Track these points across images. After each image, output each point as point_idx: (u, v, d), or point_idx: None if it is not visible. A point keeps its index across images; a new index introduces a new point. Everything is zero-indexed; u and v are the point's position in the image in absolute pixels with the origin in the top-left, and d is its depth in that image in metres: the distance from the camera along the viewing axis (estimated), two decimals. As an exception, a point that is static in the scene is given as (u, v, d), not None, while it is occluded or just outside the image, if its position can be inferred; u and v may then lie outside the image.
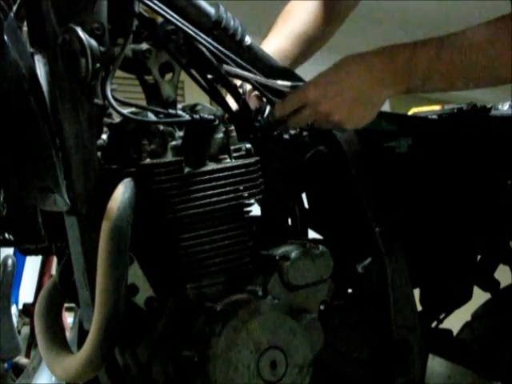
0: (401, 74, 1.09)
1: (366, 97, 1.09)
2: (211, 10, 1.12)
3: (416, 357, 1.17)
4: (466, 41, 1.09)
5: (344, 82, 1.09)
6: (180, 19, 1.07)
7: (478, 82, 1.12)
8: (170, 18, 1.06)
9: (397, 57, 1.09)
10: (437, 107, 1.45)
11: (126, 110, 1.06)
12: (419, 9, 3.64)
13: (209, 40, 1.10)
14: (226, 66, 1.10)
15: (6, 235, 1.17)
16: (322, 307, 1.10)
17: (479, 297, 1.45)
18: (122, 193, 1.00)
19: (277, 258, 1.08)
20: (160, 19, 1.08)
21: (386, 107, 1.26)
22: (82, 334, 1.11)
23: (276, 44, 1.40)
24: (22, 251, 1.22)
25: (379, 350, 1.17)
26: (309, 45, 1.45)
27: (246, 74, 1.12)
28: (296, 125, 1.14)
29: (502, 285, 1.45)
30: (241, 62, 1.13)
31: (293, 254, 1.08)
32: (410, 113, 1.47)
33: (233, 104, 1.20)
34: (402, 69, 1.09)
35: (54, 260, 2.59)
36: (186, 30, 1.07)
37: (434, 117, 1.39)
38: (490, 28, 1.09)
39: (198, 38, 1.08)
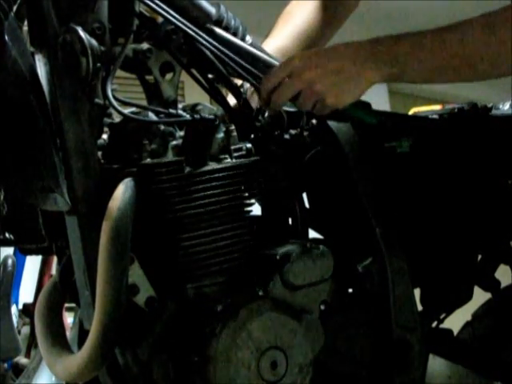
0: (382, 60, 1.12)
1: (349, 72, 1.11)
2: (212, 10, 1.12)
3: (416, 357, 1.17)
4: (447, 34, 1.12)
5: (328, 55, 1.13)
6: (180, 19, 1.07)
7: (455, 75, 1.15)
8: (171, 17, 1.06)
9: (380, 44, 1.13)
10: (437, 107, 1.45)
11: (126, 110, 1.06)
12: (419, 9, 3.64)
13: (209, 40, 1.10)
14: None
15: (7, 235, 1.17)
16: (322, 307, 1.10)
17: (480, 297, 1.45)
18: (122, 192, 1.00)
19: (277, 257, 1.08)
20: (160, 19, 1.08)
21: (387, 107, 1.26)
22: (82, 333, 1.11)
23: (277, 43, 1.41)
24: (23, 251, 1.22)
25: (379, 349, 1.17)
26: (309, 45, 1.45)
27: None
28: (281, 98, 1.12)
29: (503, 285, 1.45)
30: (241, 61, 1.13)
31: (293, 254, 1.08)
32: (410, 113, 1.47)
33: (233, 103, 1.20)
34: (383, 55, 1.11)
35: (54, 260, 2.59)
36: (187, 29, 1.07)
37: (435, 117, 1.39)
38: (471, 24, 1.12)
39: (199, 37, 1.09)
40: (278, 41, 1.42)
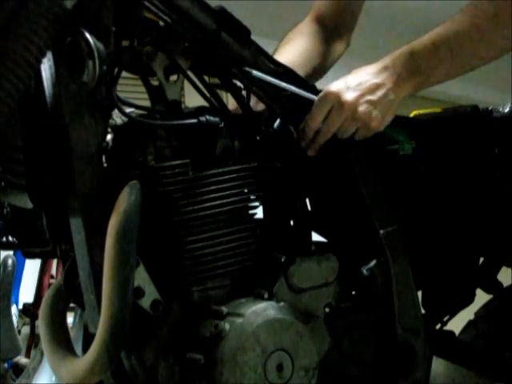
0: (408, 72, 1.16)
1: (383, 91, 1.14)
2: (215, 12, 1.12)
3: (420, 359, 1.18)
4: (460, 24, 1.18)
5: (359, 79, 1.15)
6: (183, 22, 1.07)
7: (477, 63, 1.21)
8: (172, 21, 1.06)
9: (400, 57, 1.16)
10: (438, 109, 1.45)
11: (127, 111, 1.06)
12: (419, 8, 3.64)
13: (213, 43, 1.10)
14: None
15: (10, 238, 1.17)
16: (327, 310, 1.10)
17: (481, 297, 1.46)
18: (127, 195, 1.00)
19: (282, 260, 1.08)
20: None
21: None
22: (87, 337, 1.11)
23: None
24: (26, 254, 1.22)
25: (384, 352, 1.17)
26: (314, 69, 1.47)
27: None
28: (327, 135, 1.14)
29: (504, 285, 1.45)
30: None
31: (298, 257, 1.08)
32: (411, 115, 1.47)
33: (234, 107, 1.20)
34: (407, 67, 1.15)
35: (54, 260, 2.59)
36: (189, 33, 1.07)
37: (436, 119, 1.39)
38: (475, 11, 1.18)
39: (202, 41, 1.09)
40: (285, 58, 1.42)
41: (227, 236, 1.07)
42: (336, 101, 1.13)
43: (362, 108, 1.13)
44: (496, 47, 1.21)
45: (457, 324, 1.46)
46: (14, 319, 2.56)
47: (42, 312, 1.15)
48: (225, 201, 1.07)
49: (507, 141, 1.34)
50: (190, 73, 1.14)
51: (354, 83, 1.14)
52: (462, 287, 1.34)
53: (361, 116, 1.13)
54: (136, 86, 1.22)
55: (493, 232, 1.35)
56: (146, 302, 1.03)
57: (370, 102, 1.13)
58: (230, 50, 1.12)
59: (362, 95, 1.13)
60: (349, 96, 1.12)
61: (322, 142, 1.15)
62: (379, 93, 1.14)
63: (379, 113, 1.14)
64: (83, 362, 1.02)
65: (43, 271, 2.82)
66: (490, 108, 1.39)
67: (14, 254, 2.55)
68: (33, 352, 2.64)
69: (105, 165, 1.07)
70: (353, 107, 1.12)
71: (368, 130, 1.15)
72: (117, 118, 1.13)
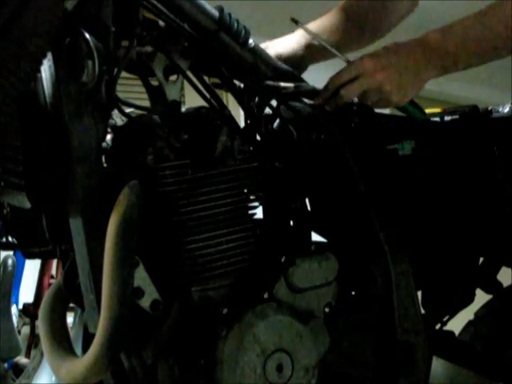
0: (436, 56, 1.22)
1: (413, 72, 1.21)
2: (215, 13, 1.12)
3: (420, 359, 1.17)
4: (487, 17, 1.22)
5: (393, 57, 1.21)
6: (182, 23, 1.07)
7: (503, 50, 1.24)
8: (172, 21, 1.06)
9: (429, 41, 1.22)
10: (438, 109, 1.45)
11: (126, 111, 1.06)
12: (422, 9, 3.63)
13: (211, 44, 1.10)
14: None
15: (10, 238, 1.17)
16: (327, 310, 1.10)
17: (481, 297, 1.46)
18: (127, 195, 1.00)
19: (282, 260, 1.08)
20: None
21: (387, 109, 1.27)
22: (87, 337, 1.11)
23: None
24: (26, 255, 1.22)
25: (384, 352, 1.17)
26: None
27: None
28: (347, 95, 1.21)
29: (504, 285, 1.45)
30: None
31: (298, 257, 1.08)
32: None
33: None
34: (435, 51, 1.22)
35: (54, 260, 2.59)
36: (188, 33, 1.07)
37: (436, 119, 1.39)
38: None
39: (200, 41, 1.09)
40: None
41: (227, 236, 1.07)
42: (368, 71, 1.19)
43: (389, 83, 1.19)
44: None
45: (457, 324, 1.46)
46: (14, 319, 2.56)
47: (42, 312, 1.16)
48: (225, 201, 1.07)
49: (507, 141, 1.34)
50: (189, 73, 1.14)
51: (388, 59, 1.20)
52: (461, 287, 1.34)
53: (386, 89, 1.20)
54: (136, 86, 1.22)
55: (492, 232, 1.35)
56: (145, 302, 1.03)
57: (398, 80, 1.20)
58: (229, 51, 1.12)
59: (393, 75, 1.20)
60: (382, 73, 1.19)
61: (342, 101, 1.22)
62: (408, 71, 1.21)
63: (403, 90, 1.21)
64: (83, 362, 1.02)
65: (43, 271, 2.81)
66: (489, 108, 1.39)
67: (14, 254, 2.55)
68: (33, 352, 2.64)
69: (105, 165, 1.07)
70: (381, 81, 1.19)
71: (388, 103, 1.23)
72: (117, 118, 1.13)
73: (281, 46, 1.43)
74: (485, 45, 1.22)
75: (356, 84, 1.20)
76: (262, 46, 1.34)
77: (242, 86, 1.20)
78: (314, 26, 1.45)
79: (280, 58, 1.37)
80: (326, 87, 1.22)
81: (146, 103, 1.14)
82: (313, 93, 1.23)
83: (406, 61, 1.21)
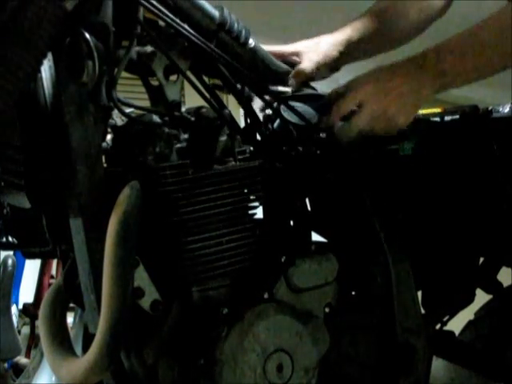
0: (433, 74, 1.18)
1: (412, 91, 1.17)
2: (215, 13, 1.12)
3: (420, 359, 1.18)
4: (481, 31, 1.19)
5: (394, 80, 1.17)
6: (182, 23, 1.07)
7: (499, 65, 1.21)
8: (172, 21, 1.05)
9: (426, 59, 1.19)
10: (438, 110, 1.45)
11: (127, 111, 1.06)
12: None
13: (210, 45, 1.10)
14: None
15: (10, 238, 1.17)
16: (327, 310, 1.10)
17: (481, 297, 1.46)
18: (127, 196, 1.00)
19: (282, 260, 1.08)
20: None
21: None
22: (87, 337, 1.11)
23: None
24: (26, 255, 1.22)
25: (384, 352, 1.17)
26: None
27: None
28: (359, 126, 1.16)
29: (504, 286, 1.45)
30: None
31: (298, 257, 1.08)
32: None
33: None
34: (433, 70, 1.18)
35: (54, 260, 2.59)
36: (188, 34, 1.07)
37: (436, 119, 1.39)
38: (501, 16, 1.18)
39: (200, 42, 1.08)
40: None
41: (227, 236, 1.07)
42: (371, 93, 1.16)
43: (393, 105, 1.16)
44: None
45: (457, 324, 1.46)
46: (14, 319, 2.56)
47: (42, 312, 1.15)
48: (225, 201, 1.07)
49: (507, 141, 1.34)
50: (189, 73, 1.14)
51: (386, 81, 1.17)
52: (461, 287, 1.34)
53: (391, 113, 1.16)
54: (136, 86, 1.22)
55: (493, 232, 1.35)
56: (145, 302, 1.03)
57: (401, 101, 1.17)
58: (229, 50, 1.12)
59: (395, 94, 1.16)
60: (382, 92, 1.16)
61: (355, 133, 1.17)
62: (408, 92, 1.17)
63: (407, 111, 1.18)
64: (83, 362, 1.02)
65: (43, 271, 2.82)
66: (489, 108, 1.39)
67: (14, 254, 2.56)
68: (33, 352, 2.64)
69: (105, 165, 1.07)
70: (386, 104, 1.16)
71: (395, 126, 1.18)
72: (117, 117, 1.13)
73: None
74: (482, 60, 1.19)
75: (364, 112, 1.16)
76: (315, 40, 1.34)
77: (241, 86, 1.20)
78: (349, 28, 1.41)
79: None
80: (331, 114, 1.18)
81: (146, 103, 1.14)
82: (312, 97, 1.22)
83: (405, 81, 1.17)
